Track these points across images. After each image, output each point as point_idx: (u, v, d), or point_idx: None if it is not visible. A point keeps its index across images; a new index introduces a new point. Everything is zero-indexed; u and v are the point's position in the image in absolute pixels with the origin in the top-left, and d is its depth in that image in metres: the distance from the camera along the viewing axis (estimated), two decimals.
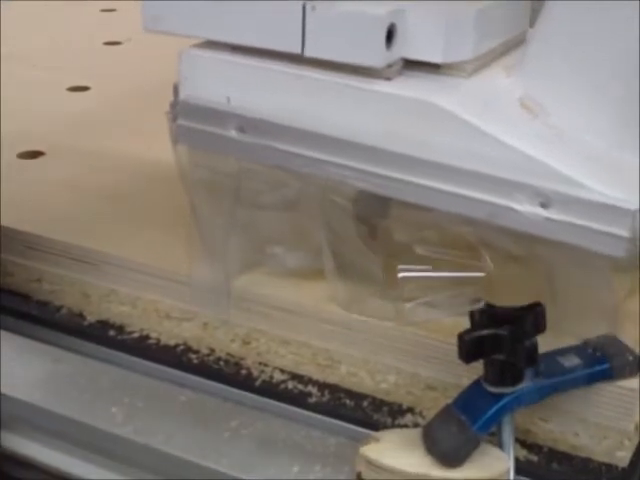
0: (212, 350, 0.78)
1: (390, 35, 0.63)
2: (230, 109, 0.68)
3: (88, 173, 0.95)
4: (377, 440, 0.65)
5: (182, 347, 0.78)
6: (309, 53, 0.64)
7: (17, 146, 1.00)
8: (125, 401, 0.75)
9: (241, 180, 0.72)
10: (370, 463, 0.63)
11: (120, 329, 0.80)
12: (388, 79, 0.64)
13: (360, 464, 0.64)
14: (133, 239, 0.83)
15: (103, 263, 0.81)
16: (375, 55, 0.62)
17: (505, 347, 0.61)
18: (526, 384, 0.63)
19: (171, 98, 0.73)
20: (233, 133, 0.68)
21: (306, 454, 0.70)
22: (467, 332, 0.62)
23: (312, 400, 0.73)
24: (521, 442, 0.68)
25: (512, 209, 0.61)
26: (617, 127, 0.63)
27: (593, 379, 0.66)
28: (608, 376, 0.66)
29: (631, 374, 0.66)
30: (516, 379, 0.63)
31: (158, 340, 0.79)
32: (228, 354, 0.77)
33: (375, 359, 0.73)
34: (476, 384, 0.64)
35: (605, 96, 0.62)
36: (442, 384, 0.70)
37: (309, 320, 0.74)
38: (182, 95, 0.70)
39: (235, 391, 0.75)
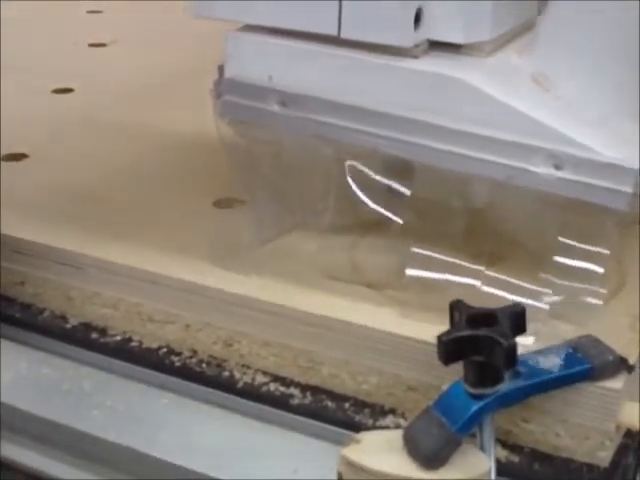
0: (194, 352, 0.78)
1: (418, 18, 0.69)
2: (272, 85, 0.75)
3: (72, 176, 0.95)
4: (358, 442, 0.65)
5: (164, 349, 0.78)
6: (344, 35, 0.71)
7: (0, 149, 0.99)
8: (107, 404, 0.75)
9: (278, 149, 0.79)
10: (351, 464, 0.63)
11: (103, 332, 0.80)
12: (415, 57, 0.71)
13: (341, 465, 0.64)
14: (116, 241, 0.83)
15: (86, 266, 0.81)
16: (404, 36, 0.70)
17: (484, 348, 0.61)
18: (506, 385, 0.63)
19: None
20: (275, 107, 0.75)
21: (288, 456, 0.70)
22: (446, 333, 0.62)
23: (294, 402, 0.73)
24: (502, 443, 0.68)
25: (528, 171, 0.68)
26: (617, 98, 0.70)
27: (574, 380, 0.66)
28: (589, 377, 0.66)
29: (612, 374, 0.66)
30: (496, 380, 0.63)
31: (140, 342, 0.79)
32: (210, 356, 0.77)
33: (356, 360, 0.72)
34: (456, 385, 0.64)
35: (606, 72, 0.70)
36: (423, 385, 0.70)
37: (290, 322, 0.74)
38: (227, 74, 0.77)
39: (217, 393, 0.75)
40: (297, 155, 0.78)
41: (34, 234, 0.84)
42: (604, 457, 0.67)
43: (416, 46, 0.71)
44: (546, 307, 0.70)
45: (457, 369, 0.64)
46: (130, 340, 0.79)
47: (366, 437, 0.66)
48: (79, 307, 0.82)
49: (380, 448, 0.64)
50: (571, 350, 0.66)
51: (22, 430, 0.76)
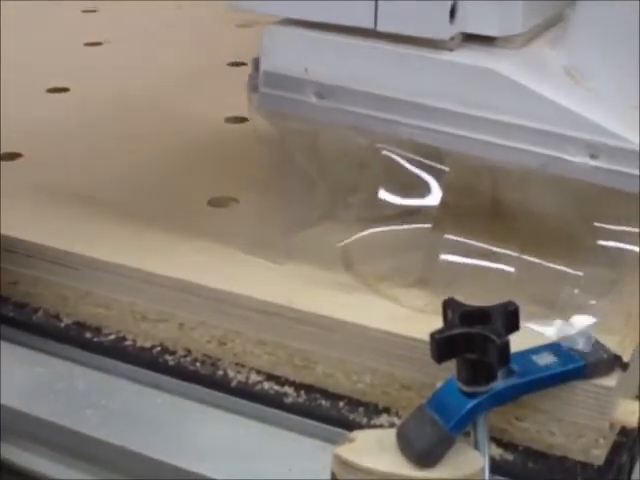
0: (188, 351, 0.77)
1: (453, 11, 0.70)
2: (309, 77, 0.76)
3: (66, 175, 0.95)
4: (352, 440, 0.65)
5: (158, 348, 0.78)
6: (381, 28, 0.72)
7: None
8: (101, 403, 0.75)
9: (313, 140, 0.82)
10: (344, 463, 0.63)
11: (96, 331, 0.80)
12: (451, 50, 0.72)
13: (334, 464, 0.64)
14: (109, 241, 0.82)
15: (79, 265, 0.81)
16: (440, 29, 0.71)
17: (477, 346, 0.61)
18: (499, 383, 0.63)
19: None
20: (312, 98, 0.76)
21: (282, 454, 0.70)
22: (439, 331, 0.62)
23: (288, 401, 0.73)
24: (497, 441, 0.68)
25: (564, 160, 0.70)
26: None
27: (568, 377, 0.66)
28: (583, 374, 0.66)
29: (606, 372, 0.66)
30: (489, 378, 0.62)
31: (134, 342, 0.79)
32: (204, 355, 0.77)
33: (351, 359, 0.72)
34: (449, 384, 0.63)
35: (636, 65, 0.70)
36: (417, 384, 0.70)
37: (285, 321, 0.74)
38: (264, 67, 0.78)
39: (211, 392, 0.75)
40: (332, 146, 0.81)
41: (28, 233, 0.84)
42: (598, 455, 0.67)
43: (451, 39, 0.71)
44: (576, 292, 0.72)
45: (451, 367, 0.64)
46: (124, 339, 0.79)
47: (360, 436, 0.66)
48: (73, 306, 0.82)
49: (374, 447, 0.64)
50: (565, 348, 0.66)
51: (15, 429, 0.76)
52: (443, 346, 0.61)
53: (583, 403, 0.66)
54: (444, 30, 0.71)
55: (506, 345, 0.61)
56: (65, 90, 1.18)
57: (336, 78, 0.75)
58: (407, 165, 0.75)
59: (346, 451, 0.64)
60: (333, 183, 0.82)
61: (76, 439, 0.73)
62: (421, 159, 0.75)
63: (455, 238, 0.75)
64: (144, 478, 0.72)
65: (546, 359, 0.66)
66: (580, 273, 0.72)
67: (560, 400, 0.66)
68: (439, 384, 0.65)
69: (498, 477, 0.66)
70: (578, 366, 0.65)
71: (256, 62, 0.79)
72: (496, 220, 0.78)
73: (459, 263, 0.74)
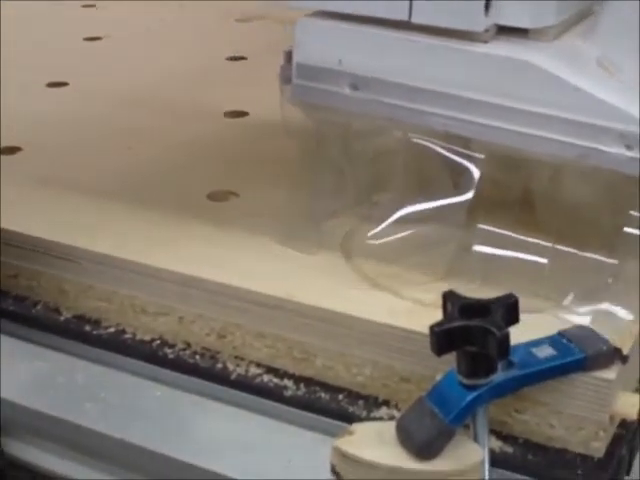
0: (188, 344, 0.77)
1: (488, 3, 0.71)
2: (343, 69, 0.76)
3: (65, 169, 0.95)
4: (351, 433, 0.65)
5: (158, 342, 0.78)
6: (416, 20, 0.73)
7: None
8: (101, 396, 0.75)
9: (346, 131, 0.82)
10: (344, 456, 0.63)
11: (96, 324, 0.80)
12: (485, 42, 0.72)
13: (334, 457, 0.64)
14: (110, 234, 0.82)
15: (80, 259, 0.81)
16: (476, 21, 0.71)
17: (477, 339, 0.61)
18: (499, 375, 0.63)
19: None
20: (346, 90, 0.76)
21: (281, 447, 0.70)
22: (438, 324, 0.62)
23: (288, 393, 0.73)
24: (496, 434, 0.68)
25: (600, 150, 0.70)
26: None
27: (567, 370, 0.66)
28: (582, 367, 0.66)
29: (606, 365, 0.66)
30: (489, 370, 0.63)
31: (134, 335, 0.79)
32: (204, 348, 0.77)
33: (351, 352, 0.72)
34: (449, 376, 0.63)
35: None
36: (417, 376, 0.70)
37: (285, 313, 0.74)
38: (297, 58, 0.78)
39: (210, 385, 0.75)
40: (363, 141, 0.82)
41: (28, 227, 0.83)
42: (598, 447, 0.67)
43: (486, 31, 0.72)
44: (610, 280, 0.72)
45: (451, 360, 0.64)
46: (123, 332, 0.79)
47: (359, 428, 0.66)
48: (73, 300, 0.82)
49: (373, 439, 0.64)
50: (565, 340, 0.66)
51: (15, 423, 0.76)
52: (443, 339, 0.61)
53: (583, 396, 0.66)
54: (479, 22, 0.71)
55: (506, 337, 0.61)
56: (64, 85, 1.18)
57: (370, 70, 0.75)
58: (443, 153, 0.76)
59: (345, 444, 0.64)
60: (362, 178, 0.83)
61: (76, 432, 0.73)
62: (456, 148, 0.76)
63: (488, 229, 0.75)
64: (143, 471, 0.72)
65: (546, 351, 0.66)
66: (615, 261, 0.72)
67: (560, 393, 0.66)
68: (439, 377, 0.65)
69: (498, 469, 0.66)
70: (578, 358, 0.65)
71: (288, 54, 0.79)
72: (529, 211, 0.78)
73: (492, 255, 0.75)
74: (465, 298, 0.64)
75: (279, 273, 0.77)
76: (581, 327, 0.68)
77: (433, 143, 0.76)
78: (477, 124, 0.73)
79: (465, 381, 0.63)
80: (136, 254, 0.79)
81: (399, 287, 0.74)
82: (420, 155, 0.77)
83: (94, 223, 0.85)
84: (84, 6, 1.52)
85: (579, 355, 0.65)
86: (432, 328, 0.62)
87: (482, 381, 0.63)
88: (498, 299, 0.63)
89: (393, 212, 0.78)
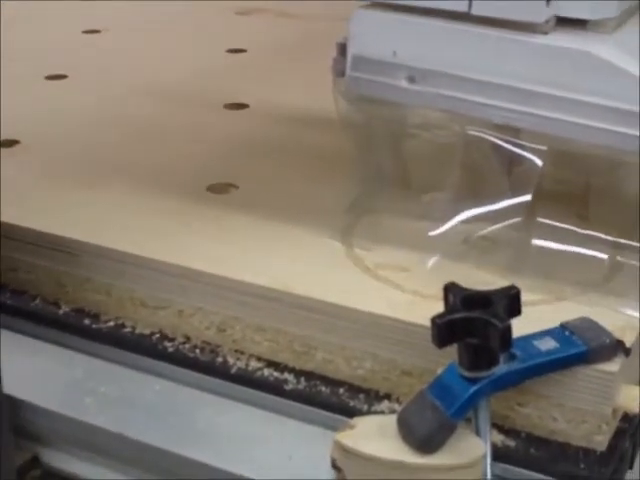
0: (188, 338, 0.77)
1: None
2: (400, 61, 0.75)
3: (64, 162, 0.95)
4: (352, 427, 0.65)
5: (157, 335, 0.78)
6: (476, 11, 0.72)
7: None
8: (100, 390, 0.75)
9: (400, 124, 0.82)
10: (345, 450, 0.63)
11: (95, 317, 0.80)
12: (545, 33, 0.72)
13: (335, 451, 0.64)
14: (108, 227, 0.82)
15: (78, 252, 0.81)
16: (537, 12, 0.71)
17: (478, 331, 0.60)
18: (501, 368, 0.63)
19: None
20: (403, 82, 0.76)
21: (282, 441, 0.70)
22: (440, 316, 0.61)
23: (288, 387, 0.72)
24: (499, 427, 0.68)
25: None
26: None
27: (570, 362, 0.65)
28: (585, 359, 0.65)
29: (608, 357, 0.66)
30: (491, 363, 0.62)
31: (133, 328, 0.78)
32: (204, 342, 0.77)
33: (351, 345, 0.72)
34: (451, 369, 0.63)
35: None
36: (418, 370, 0.70)
37: (285, 306, 0.73)
38: (352, 51, 0.78)
39: (210, 379, 0.74)
40: (418, 133, 0.81)
41: (26, 220, 0.83)
42: (601, 441, 0.66)
43: (546, 22, 0.71)
44: None
45: (452, 353, 0.63)
46: (123, 326, 0.79)
47: (360, 422, 0.65)
48: (72, 293, 0.81)
49: (374, 433, 0.64)
50: (567, 332, 0.66)
51: (14, 417, 0.76)
52: (444, 331, 0.61)
53: (585, 389, 0.66)
54: (540, 13, 0.71)
55: (508, 329, 0.60)
56: (63, 77, 1.17)
57: (428, 62, 0.75)
58: (503, 146, 0.76)
59: (346, 437, 0.63)
60: (419, 167, 0.83)
61: (75, 426, 0.73)
62: (516, 140, 0.76)
63: (549, 222, 0.75)
64: (142, 465, 0.72)
65: (548, 344, 0.65)
66: None
67: (562, 386, 0.66)
68: (440, 370, 0.64)
69: (500, 464, 0.66)
70: (580, 351, 0.65)
71: (341, 47, 0.79)
72: (589, 205, 0.78)
73: (553, 249, 0.75)
74: (467, 290, 0.63)
75: (279, 266, 0.76)
76: (584, 319, 0.67)
77: (491, 136, 0.76)
78: (537, 116, 0.72)
79: (466, 374, 0.62)
80: (135, 247, 0.79)
81: (399, 279, 0.74)
82: (476, 150, 0.77)
83: (93, 216, 0.84)
84: None
85: (581, 348, 0.65)
86: (434, 320, 0.61)
87: (484, 374, 0.62)
88: (500, 290, 0.63)
89: (450, 211, 0.78)
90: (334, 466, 0.64)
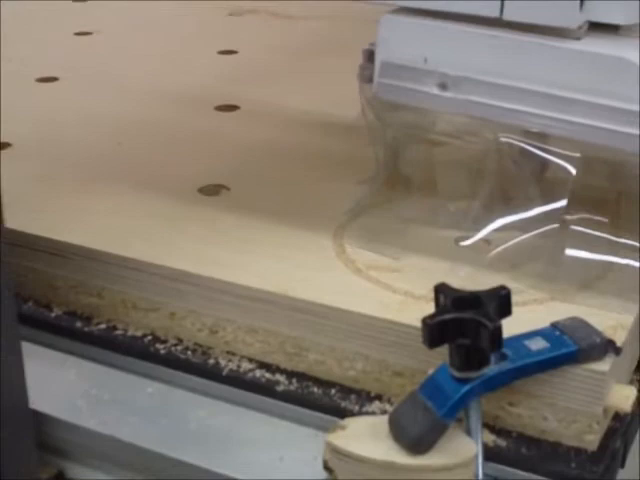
0: (180, 340, 0.77)
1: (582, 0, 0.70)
2: (431, 68, 0.75)
3: (55, 164, 0.95)
4: (343, 428, 0.65)
5: (149, 337, 0.78)
6: (507, 17, 0.72)
7: None
8: (92, 393, 0.75)
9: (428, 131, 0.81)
10: (336, 451, 0.63)
11: (87, 320, 0.80)
12: (578, 39, 0.71)
13: (326, 452, 0.64)
14: (100, 230, 0.82)
15: (70, 255, 0.81)
16: (570, 17, 0.70)
17: (469, 331, 0.61)
18: (492, 368, 0.63)
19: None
20: (434, 89, 0.75)
21: (274, 443, 0.70)
22: (430, 317, 0.61)
23: (280, 389, 0.73)
24: (490, 427, 0.68)
25: None
26: None
27: (560, 362, 0.65)
28: (576, 359, 0.65)
29: (599, 357, 0.66)
30: (481, 363, 0.62)
31: (125, 331, 0.78)
32: (196, 344, 0.77)
33: (343, 346, 0.72)
34: (442, 369, 0.63)
35: None
36: (410, 370, 0.70)
37: (276, 308, 0.73)
38: (381, 56, 0.77)
39: (203, 381, 0.74)
40: (451, 138, 0.80)
41: (17, 223, 0.83)
42: (592, 440, 0.66)
43: (579, 27, 0.71)
44: None
45: (444, 353, 0.63)
46: (115, 328, 0.79)
47: (351, 423, 0.65)
48: (64, 296, 0.81)
49: (365, 434, 0.64)
50: (558, 332, 0.66)
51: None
52: (435, 331, 0.61)
53: (576, 388, 0.66)
54: (573, 18, 0.70)
55: (498, 330, 0.60)
56: (54, 80, 1.17)
57: (459, 68, 0.74)
58: (535, 153, 0.75)
59: (338, 438, 0.64)
60: (442, 185, 0.83)
61: (67, 429, 0.73)
62: (549, 147, 0.75)
63: (582, 230, 0.74)
64: (135, 467, 0.72)
65: (539, 344, 0.65)
66: None
67: (553, 385, 0.66)
68: (431, 370, 0.65)
69: (492, 464, 0.66)
70: (571, 351, 0.65)
71: (368, 53, 0.78)
72: (623, 212, 0.77)
73: (587, 258, 0.74)
74: (457, 290, 0.63)
75: (270, 267, 0.76)
76: (574, 319, 0.67)
77: (523, 142, 0.75)
78: (570, 122, 0.72)
79: (457, 374, 0.62)
80: (127, 249, 0.79)
81: (390, 280, 0.74)
82: (507, 157, 0.76)
83: (84, 219, 0.84)
84: (75, 0, 1.52)
85: (572, 347, 0.65)
86: (424, 320, 0.61)
87: (475, 374, 0.62)
88: (490, 291, 0.63)
89: (482, 219, 0.77)
90: (326, 467, 0.64)
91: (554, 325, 0.67)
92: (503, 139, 0.75)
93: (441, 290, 0.64)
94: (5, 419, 0.66)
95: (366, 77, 0.79)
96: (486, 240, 0.77)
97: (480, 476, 0.63)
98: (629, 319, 0.70)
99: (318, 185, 0.90)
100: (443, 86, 0.75)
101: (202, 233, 0.81)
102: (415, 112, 0.78)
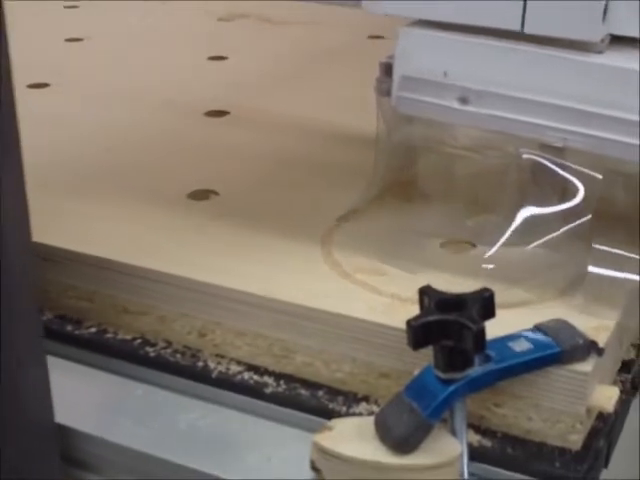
0: (169, 343, 0.78)
1: (605, 12, 0.69)
2: (451, 82, 0.74)
3: (44, 170, 0.95)
4: (330, 429, 0.65)
5: (139, 340, 0.78)
6: (529, 30, 0.71)
7: None
8: (82, 395, 0.75)
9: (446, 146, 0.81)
10: (323, 451, 0.64)
11: (78, 324, 0.80)
12: (600, 52, 0.71)
13: (313, 452, 0.65)
14: (90, 234, 0.83)
15: (61, 259, 0.81)
16: (593, 30, 0.70)
17: (453, 333, 0.61)
18: (476, 369, 0.64)
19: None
20: (455, 103, 0.74)
21: (262, 444, 0.71)
22: (415, 318, 0.62)
23: (268, 390, 0.73)
24: (475, 428, 0.69)
25: None
26: None
27: (544, 363, 0.66)
28: (559, 360, 0.66)
29: (582, 358, 0.67)
30: (465, 364, 0.63)
31: (115, 334, 0.79)
32: (185, 346, 0.77)
33: (330, 349, 0.73)
34: (426, 370, 0.64)
35: None
36: (396, 372, 0.71)
37: (264, 311, 0.74)
38: (400, 70, 0.76)
39: (191, 383, 0.75)
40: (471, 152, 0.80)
41: None
42: (576, 440, 0.67)
43: (601, 41, 0.70)
44: None
45: (430, 355, 0.64)
46: (105, 332, 0.79)
47: (338, 424, 0.66)
48: (55, 300, 0.82)
49: (352, 434, 0.65)
50: (541, 334, 0.67)
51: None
52: (419, 333, 0.62)
53: (560, 389, 0.67)
54: (596, 31, 0.69)
55: (481, 331, 0.61)
56: (45, 86, 1.18)
57: (479, 82, 0.73)
58: (558, 171, 0.74)
59: (325, 439, 0.64)
60: (460, 200, 0.82)
61: (57, 432, 0.73)
62: (573, 165, 0.74)
63: (604, 248, 0.73)
64: (124, 469, 0.72)
65: (522, 345, 0.66)
66: None
67: (537, 386, 0.67)
68: (417, 372, 0.65)
69: (477, 463, 0.67)
70: (554, 352, 0.66)
71: (386, 66, 0.77)
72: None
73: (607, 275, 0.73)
74: (442, 293, 0.64)
75: (259, 271, 0.77)
76: (557, 321, 0.68)
77: (545, 159, 0.75)
78: (593, 137, 0.71)
79: (442, 375, 0.63)
80: (117, 253, 0.80)
81: (377, 283, 0.75)
82: (528, 172, 0.76)
83: (75, 223, 0.85)
84: (66, 7, 1.52)
85: (555, 348, 0.66)
86: (409, 322, 0.62)
87: (459, 375, 0.63)
88: (474, 293, 0.64)
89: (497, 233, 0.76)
90: (313, 467, 0.65)
91: (537, 327, 0.68)
92: (525, 155, 0.75)
93: (426, 292, 0.65)
94: (31, 432, 0.67)
95: (384, 91, 0.78)
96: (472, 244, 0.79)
97: (465, 476, 0.64)
98: (611, 322, 0.70)
99: (306, 190, 0.90)
100: (464, 100, 0.74)
101: (191, 237, 0.82)
102: (433, 125, 0.77)
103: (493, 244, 0.76)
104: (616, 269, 0.73)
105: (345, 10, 1.54)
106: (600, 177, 0.74)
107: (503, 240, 0.76)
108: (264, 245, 0.81)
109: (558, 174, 0.75)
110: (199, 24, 1.45)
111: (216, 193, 0.90)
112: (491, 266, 0.75)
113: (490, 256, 0.76)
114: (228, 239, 0.82)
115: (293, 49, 1.33)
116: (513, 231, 0.76)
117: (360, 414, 0.71)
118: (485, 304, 0.63)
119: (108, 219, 0.85)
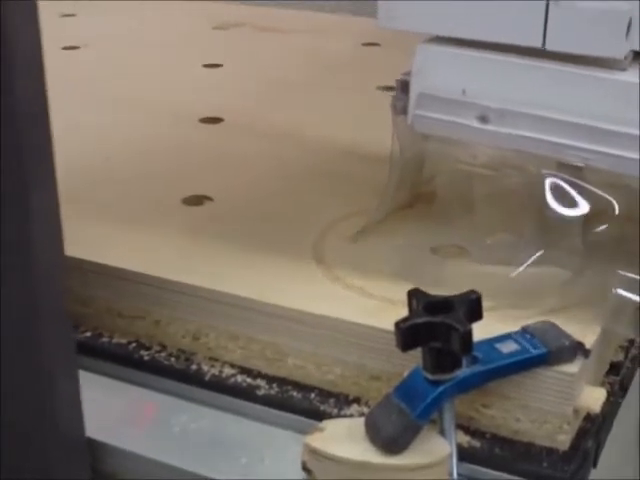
0: (163, 346, 0.79)
1: (629, 28, 0.68)
2: (471, 100, 0.73)
3: None
4: (321, 430, 0.66)
5: (134, 344, 0.79)
6: (550, 47, 0.69)
7: None
8: None
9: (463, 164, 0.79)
10: (314, 452, 0.65)
11: (74, 328, 0.81)
12: (624, 70, 0.69)
13: (305, 453, 0.65)
14: (85, 239, 0.83)
15: None
16: (617, 47, 0.68)
17: (441, 335, 0.62)
18: (464, 371, 0.65)
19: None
20: (474, 122, 0.73)
21: (255, 445, 0.72)
22: (403, 320, 0.63)
23: (261, 393, 0.74)
24: (464, 428, 0.69)
25: None
26: None
27: (531, 364, 0.67)
28: (546, 361, 0.67)
29: (569, 359, 0.67)
30: (453, 366, 0.64)
31: (110, 338, 0.80)
32: (179, 350, 0.78)
33: (322, 352, 0.74)
34: (415, 372, 0.65)
35: None
36: (386, 374, 0.71)
37: (257, 315, 0.75)
38: (418, 87, 0.75)
39: (185, 386, 0.76)
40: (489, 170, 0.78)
41: None
42: (563, 440, 0.68)
43: (625, 58, 0.69)
44: None
45: (419, 357, 0.65)
46: (100, 336, 0.80)
47: (329, 425, 0.67)
48: None
49: (343, 435, 0.66)
50: (528, 335, 0.68)
51: None
52: (408, 335, 0.63)
53: (547, 390, 0.68)
54: (619, 48, 0.68)
55: (469, 333, 0.62)
56: None
57: (499, 100, 0.72)
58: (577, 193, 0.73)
59: (316, 440, 0.65)
60: (478, 218, 0.81)
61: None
62: (593, 188, 0.73)
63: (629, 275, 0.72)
64: (119, 472, 0.73)
65: (510, 347, 0.67)
66: None
67: (525, 387, 0.68)
68: (406, 373, 0.66)
69: (466, 464, 0.67)
70: (541, 353, 0.67)
71: (403, 84, 0.76)
72: None
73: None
74: (430, 295, 0.65)
75: (252, 276, 0.78)
76: (544, 322, 0.69)
77: (563, 180, 0.73)
78: (615, 156, 0.70)
79: (430, 377, 0.64)
80: (111, 259, 0.81)
81: (368, 286, 0.76)
82: (547, 191, 0.74)
83: (68, 227, 0.85)
84: (63, 15, 1.53)
85: (542, 350, 0.67)
86: (397, 324, 0.63)
87: (447, 376, 0.64)
88: (461, 296, 0.65)
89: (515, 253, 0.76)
90: (304, 468, 0.65)
91: (525, 328, 0.68)
92: (546, 174, 0.74)
93: (414, 295, 0.66)
94: (62, 446, 0.69)
95: (400, 108, 0.77)
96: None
97: (455, 476, 0.65)
98: (598, 325, 0.71)
99: (299, 196, 0.91)
100: (484, 119, 0.73)
101: (185, 242, 0.83)
102: (451, 143, 0.76)
103: (511, 263, 0.76)
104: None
105: (340, 18, 1.55)
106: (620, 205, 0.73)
107: (530, 261, 0.75)
108: (257, 250, 0.82)
109: (577, 194, 0.74)
110: (194, 32, 1.46)
111: (210, 199, 0.91)
112: (510, 285, 0.75)
113: (511, 276, 0.75)
114: (222, 244, 0.83)
115: (288, 57, 1.34)
116: (527, 249, 0.75)
117: (351, 416, 0.72)
118: (472, 306, 0.64)
119: (101, 223, 0.86)
